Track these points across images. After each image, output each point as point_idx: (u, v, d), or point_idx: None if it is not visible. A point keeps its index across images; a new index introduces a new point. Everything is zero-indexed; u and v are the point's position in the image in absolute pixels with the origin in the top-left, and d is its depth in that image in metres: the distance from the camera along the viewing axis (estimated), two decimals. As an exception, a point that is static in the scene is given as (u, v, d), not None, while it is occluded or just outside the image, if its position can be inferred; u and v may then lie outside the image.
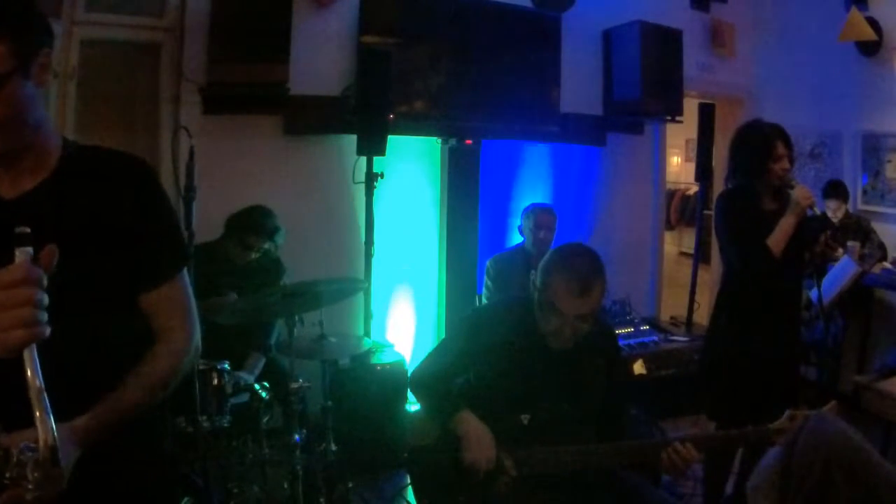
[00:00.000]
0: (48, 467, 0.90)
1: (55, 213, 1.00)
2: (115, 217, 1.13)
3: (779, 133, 2.52)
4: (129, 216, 1.14)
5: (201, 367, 2.35)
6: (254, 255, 3.00)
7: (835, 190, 4.35)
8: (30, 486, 0.91)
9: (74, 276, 1.02)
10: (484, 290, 3.66)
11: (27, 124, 1.10)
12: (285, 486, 2.65)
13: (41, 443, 0.90)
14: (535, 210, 3.60)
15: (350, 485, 2.79)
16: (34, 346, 0.90)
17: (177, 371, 1.19)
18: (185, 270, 1.24)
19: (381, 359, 3.48)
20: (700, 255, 4.94)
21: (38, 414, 0.90)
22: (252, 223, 2.99)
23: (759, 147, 2.51)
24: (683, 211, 9.14)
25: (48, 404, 0.90)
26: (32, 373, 0.90)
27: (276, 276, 3.06)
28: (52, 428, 0.90)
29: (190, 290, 1.25)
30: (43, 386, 0.91)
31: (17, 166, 1.13)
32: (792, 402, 1.84)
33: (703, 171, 4.67)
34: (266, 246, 3.02)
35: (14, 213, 1.10)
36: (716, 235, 2.69)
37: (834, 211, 4.32)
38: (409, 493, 2.48)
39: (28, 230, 0.91)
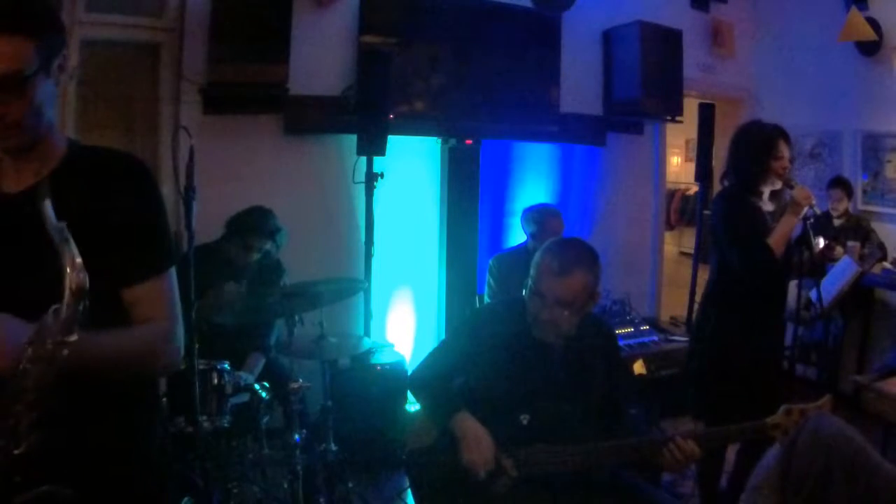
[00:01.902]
0: (72, 311, 0.94)
1: (54, 208, 1.01)
2: (110, 214, 1.15)
3: (780, 133, 2.55)
4: (123, 214, 1.16)
5: (201, 367, 2.34)
6: (255, 256, 3.00)
7: (839, 181, 4.35)
8: (46, 352, 0.93)
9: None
10: (487, 289, 3.63)
11: (42, 122, 1.13)
12: (285, 486, 2.65)
13: (68, 270, 0.93)
14: (543, 214, 3.49)
15: (350, 485, 2.79)
16: (49, 199, 0.96)
17: (156, 349, 1.19)
18: (172, 273, 1.25)
19: (381, 359, 3.48)
20: (700, 255, 4.93)
21: (65, 252, 0.93)
22: (253, 224, 2.98)
23: (761, 144, 2.53)
24: (683, 211, 9.12)
25: (73, 243, 0.94)
26: (50, 217, 0.95)
27: (277, 276, 3.06)
28: (78, 258, 0.94)
29: (176, 293, 1.25)
30: (64, 224, 0.95)
31: (23, 162, 1.16)
32: (779, 400, 1.85)
33: (703, 171, 4.66)
34: (267, 247, 3.01)
35: (15, 207, 1.14)
36: (712, 235, 2.69)
37: (836, 202, 4.31)
38: (409, 496, 2.48)
39: None
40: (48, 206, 0.97)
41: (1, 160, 1.18)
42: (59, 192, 1.13)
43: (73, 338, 0.95)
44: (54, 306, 0.94)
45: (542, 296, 1.78)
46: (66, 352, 0.95)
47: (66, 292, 0.94)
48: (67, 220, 1.03)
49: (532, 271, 1.84)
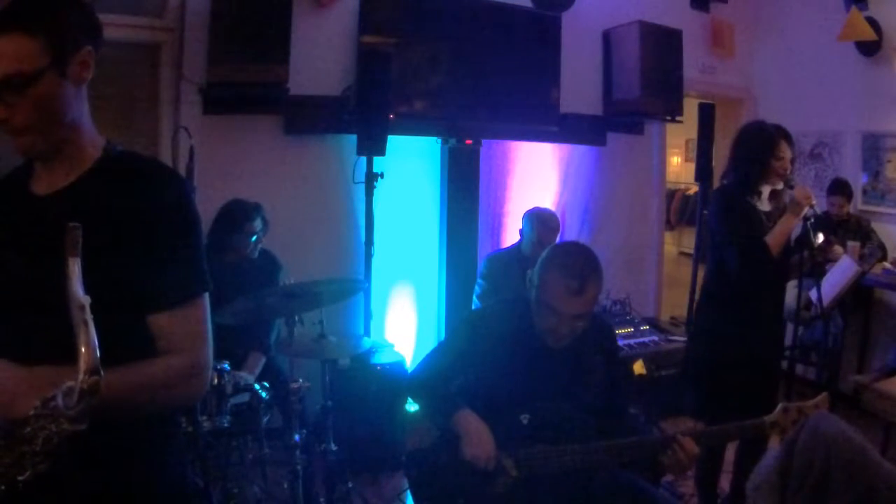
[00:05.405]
0: (86, 396, 0.86)
1: (80, 214, 0.95)
2: (140, 227, 1.07)
3: (783, 133, 2.58)
4: (154, 229, 1.08)
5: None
6: (254, 238, 3.01)
7: (839, 187, 4.35)
8: (52, 430, 0.87)
9: (87, 280, 0.94)
10: (477, 290, 3.61)
11: (62, 123, 1.08)
12: (285, 486, 2.65)
13: (81, 366, 0.85)
14: (538, 220, 3.44)
15: (350, 485, 2.79)
16: (79, 256, 0.87)
17: (173, 388, 1.09)
18: (203, 300, 1.14)
19: (381, 359, 3.48)
20: (700, 255, 4.92)
21: (80, 335, 0.85)
22: (237, 211, 3.00)
23: (762, 144, 2.54)
24: (683, 211, 9.13)
25: (92, 323, 0.85)
26: (75, 284, 0.87)
27: (275, 274, 3.07)
28: (96, 350, 0.85)
29: (208, 324, 1.15)
30: (88, 302, 0.87)
31: (53, 164, 1.12)
32: (777, 400, 1.86)
33: (703, 171, 4.66)
34: (258, 226, 3.01)
35: (43, 209, 1.10)
36: (710, 232, 2.70)
37: (838, 209, 4.32)
38: (408, 496, 2.48)
39: None
40: (76, 277, 0.88)
41: (33, 161, 1.14)
42: (88, 196, 1.09)
43: (82, 427, 0.88)
44: (68, 384, 0.87)
45: (560, 313, 1.78)
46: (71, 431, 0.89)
47: (76, 391, 0.86)
48: (93, 227, 0.95)
49: (540, 289, 1.81)
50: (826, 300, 3.42)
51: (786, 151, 2.55)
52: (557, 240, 3.46)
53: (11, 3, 1.00)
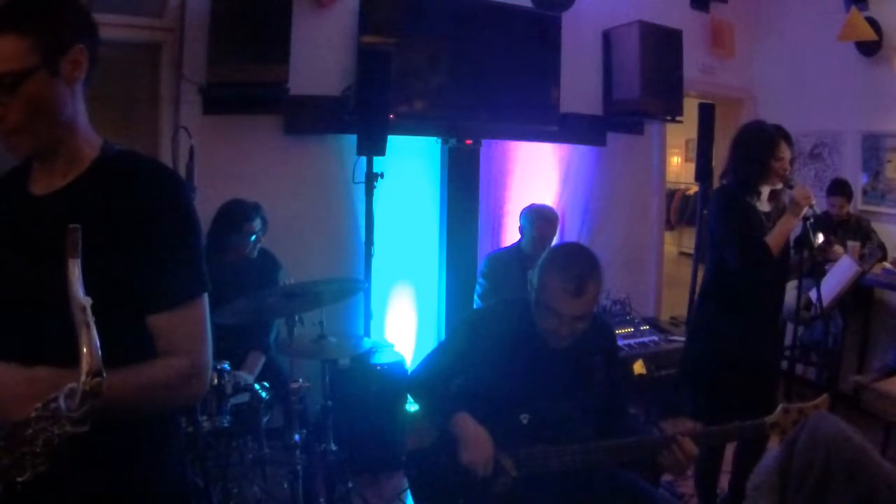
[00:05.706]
0: (89, 398, 0.85)
1: (78, 215, 0.94)
2: (139, 228, 1.07)
3: (782, 134, 2.59)
4: (153, 230, 1.08)
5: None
6: (253, 238, 3.01)
7: (839, 188, 4.36)
8: (55, 430, 0.86)
9: (87, 281, 0.93)
10: (478, 289, 3.62)
11: (57, 123, 1.08)
12: (285, 486, 2.65)
13: (83, 367, 0.84)
14: (537, 216, 3.45)
15: (350, 485, 2.79)
16: (79, 257, 0.87)
17: (172, 389, 1.09)
18: (202, 301, 1.14)
19: (381, 359, 3.48)
20: (700, 255, 4.93)
21: (82, 337, 0.85)
22: (236, 211, 3.00)
23: (762, 144, 2.55)
24: (683, 211, 9.13)
25: (93, 324, 0.85)
26: (75, 286, 0.86)
27: (274, 273, 3.07)
28: (98, 351, 0.84)
29: (207, 324, 1.15)
30: (89, 304, 0.86)
31: (50, 164, 1.12)
32: (776, 400, 1.86)
33: (703, 171, 4.66)
34: (258, 226, 3.02)
35: (41, 210, 1.10)
36: (709, 232, 2.70)
37: (838, 208, 4.32)
38: (409, 496, 2.48)
39: None
40: (76, 279, 0.88)
41: (31, 161, 1.15)
42: (86, 197, 1.09)
43: (84, 429, 0.88)
44: (70, 386, 0.86)
45: (561, 315, 1.78)
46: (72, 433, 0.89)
47: (78, 393, 0.86)
48: (91, 228, 0.94)
49: (540, 291, 1.82)
50: (826, 300, 3.43)
51: (785, 152, 2.55)
52: (557, 234, 3.47)
53: (1, 4, 1.01)
